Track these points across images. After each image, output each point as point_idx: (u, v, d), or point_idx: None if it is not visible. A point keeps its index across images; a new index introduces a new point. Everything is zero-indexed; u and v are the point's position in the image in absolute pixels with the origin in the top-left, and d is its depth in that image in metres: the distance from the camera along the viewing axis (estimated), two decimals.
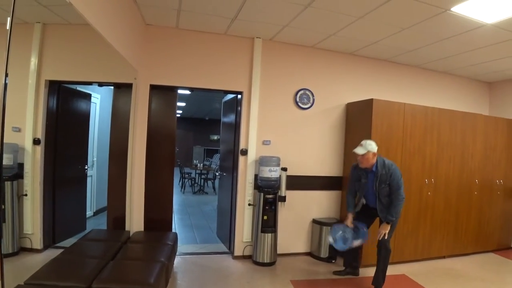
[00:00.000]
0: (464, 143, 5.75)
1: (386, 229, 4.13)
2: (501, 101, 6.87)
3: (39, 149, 4.58)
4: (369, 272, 4.67)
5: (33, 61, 4.13)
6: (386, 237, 4.13)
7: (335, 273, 4.83)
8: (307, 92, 5.51)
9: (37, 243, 4.56)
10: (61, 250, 3.80)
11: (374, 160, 4.14)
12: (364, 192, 4.36)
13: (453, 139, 5.65)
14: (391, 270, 4.95)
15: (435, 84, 6.50)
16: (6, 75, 1.91)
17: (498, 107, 6.90)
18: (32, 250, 4.21)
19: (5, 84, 1.94)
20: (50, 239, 4.85)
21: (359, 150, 4.12)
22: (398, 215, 4.12)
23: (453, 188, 5.69)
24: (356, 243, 4.26)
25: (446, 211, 5.64)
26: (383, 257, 4.22)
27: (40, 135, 4.56)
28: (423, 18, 4.11)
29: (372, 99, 5.05)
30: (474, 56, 5.43)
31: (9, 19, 1.85)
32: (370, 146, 4.09)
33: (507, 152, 6.24)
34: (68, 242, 4.60)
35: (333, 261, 5.26)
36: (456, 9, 3.76)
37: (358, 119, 5.42)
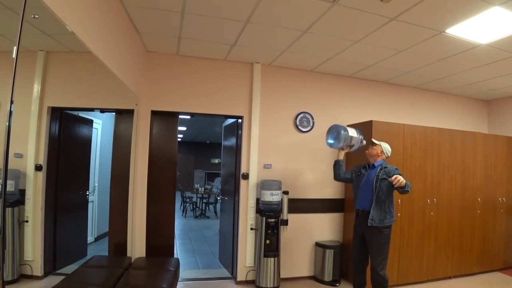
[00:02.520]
0: (464, 162, 5.76)
1: (401, 178, 3.74)
2: (500, 119, 6.92)
3: (41, 175, 4.61)
4: None
5: (36, 88, 4.21)
6: (399, 184, 3.76)
7: None
8: (307, 115, 5.56)
9: (38, 270, 4.53)
10: (62, 277, 3.76)
11: (380, 158, 4.23)
12: (359, 190, 4.25)
13: (454, 158, 5.66)
14: None
15: (433, 104, 6.56)
16: (12, 102, 1.95)
17: (497, 125, 6.94)
18: (32, 277, 4.19)
19: (10, 112, 1.97)
20: (51, 266, 4.82)
21: (375, 140, 4.32)
22: (408, 188, 3.81)
23: (456, 207, 5.66)
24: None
25: (449, 230, 5.59)
26: (380, 286, 4.03)
27: (42, 161, 4.60)
28: (419, 41, 4.19)
29: (371, 121, 5.09)
30: (470, 76, 5.50)
31: (15, 48, 1.90)
32: (384, 144, 4.29)
33: (508, 169, 6.23)
34: (69, 269, 4.57)
35: (337, 284, 5.19)
36: (451, 31, 3.84)
37: None
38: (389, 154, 4.31)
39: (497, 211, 6.09)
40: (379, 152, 4.24)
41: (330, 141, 4.47)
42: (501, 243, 6.13)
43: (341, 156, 4.47)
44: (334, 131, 4.42)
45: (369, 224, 4.00)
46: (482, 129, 6.92)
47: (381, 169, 4.12)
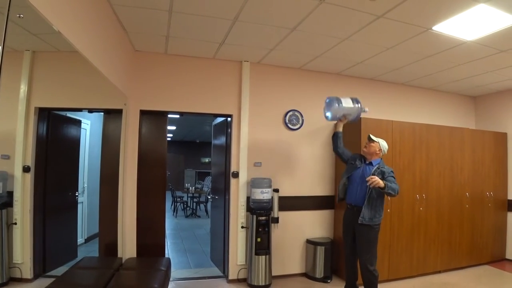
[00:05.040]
0: (452, 157, 5.83)
1: (378, 181, 3.77)
2: (487, 115, 7.01)
3: (29, 176, 4.55)
4: None
5: (23, 88, 4.16)
6: (374, 185, 3.80)
7: None
8: (296, 113, 5.58)
9: (27, 272, 4.48)
10: (52, 279, 3.73)
11: (377, 156, 4.22)
12: (352, 182, 4.24)
13: (442, 154, 5.72)
14: None
15: (421, 100, 6.62)
16: None
17: (484, 120, 7.03)
18: (22, 280, 4.14)
19: None
20: (40, 268, 4.76)
21: (372, 136, 4.27)
22: (389, 190, 3.82)
23: (445, 202, 5.73)
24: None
25: (439, 225, 5.66)
26: (369, 282, 4.05)
27: (30, 162, 4.54)
28: (406, 38, 4.22)
29: (360, 118, 5.11)
30: (457, 72, 5.56)
31: (0, 47, 1.88)
32: (382, 141, 4.25)
33: (495, 164, 6.33)
34: (59, 271, 4.52)
35: (329, 281, 5.22)
36: (437, 28, 3.87)
37: (347, 138, 5.45)
38: (386, 152, 4.30)
39: (485, 205, 6.17)
40: (377, 150, 4.21)
41: (328, 114, 4.45)
42: (489, 237, 6.22)
43: (339, 127, 4.50)
44: (329, 103, 4.41)
45: (359, 222, 4.02)
46: (469, 125, 7.00)
47: (378, 168, 4.10)
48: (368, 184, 3.80)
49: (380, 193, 3.99)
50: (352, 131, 5.23)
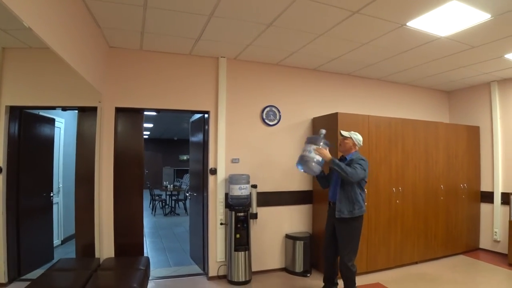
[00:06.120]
0: (427, 151, 5.95)
1: (325, 153, 3.96)
2: (460, 109, 7.18)
3: (1, 177, 4.44)
4: None
5: None
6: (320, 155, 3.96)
7: None
8: (273, 108, 5.58)
9: (1, 276, 4.39)
10: (27, 283, 3.63)
11: (352, 150, 4.21)
12: (332, 182, 4.26)
13: (417, 148, 5.83)
14: (366, 280, 5.03)
15: (397, 95, 6.73)
16: None
17: (457, 114, 7.21)
18: None
19: None
20: (15, 272, 4.67)
21: (343, 132, 4.26)
22: (336, 167, 3.88)
23: (420, 195, 5.85)
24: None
25: (415, 217, 5.77)
26: (346, 277, 4.08)
27: (1, 163, 4.44)
28: (381, 34, 4.27)
29: (337, 113, 5.17)
30: (431, 68, 5.67)
31: None
32: (354, 135, 4.24)
33: (468, 156, 6.50)
34: (35, 274, 4.44)
35: (308, 275, 5.27)
36: (412, 24, 3.93)
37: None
38: (361, 143, 4.28)
39: (459, 197, 6.33)
40: (351, 144, 4.21)
41: (301, 169, 4.25)
42: (463, 228, 6.38)
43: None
44: (299, 163, 4.19)
45: (337, 216, 4.05)
46: (443, 119, 7.16)
47: (350, 160, 4.09)
48: (315, 154, 3.95)
49: (352, 183, 3.97)
50: (328, 127, 5.26)
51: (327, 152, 3.99)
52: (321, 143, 4.09)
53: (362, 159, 4.07)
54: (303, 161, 4.11)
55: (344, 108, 5.70)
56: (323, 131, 4.22)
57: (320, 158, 4.02)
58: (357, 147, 4.25)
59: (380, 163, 5.43)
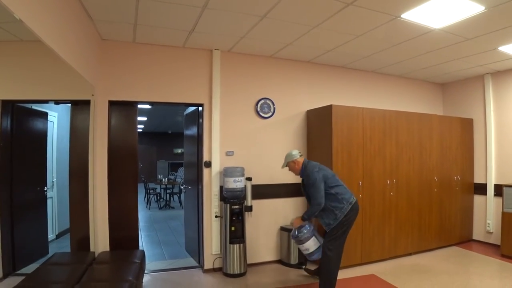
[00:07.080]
0: (421, 143, 5.97)
1: (297, 222, 4.14)
2: (453, 101, 7.20)
3: None
4: (346, 273, 4.83)
5: None
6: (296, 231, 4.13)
7: (306, 270, 4.92)
8: (268, 101, 5.57)
9: None
10: (22, 278, 3.62)
11: (300, 167, 4.21)
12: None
13: (411, 140, 5.85)
14: (361, 271, 5.08)
15: (391, 87, 6.74)
16: None
17: (451, 106, 7.23)
18: None
19: None
20: (10, 267, 4.66)
21: (283, 165, 4.35)
22: (311, 217, 4.08)
23: (414, 187, 5.88)
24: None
25: (409, 209, 5.81)
26: (322, 263, 4.06)
27: None
28: (375, 25, 4.26)
29: (331, 105, 5.16)
30: (425, 60, 5.67)
31: None
32: (288, 157, 4.27)
33: (462, 148, 6.53)
34: (30, 268, 4.43)
35: (303, 266, 5.28)
36: (406, 16, 3.93)
37: (319, 126, 5.52)
38: (298, 155, 4.24)
39: (452, 189, 6.37)
40: (295, 165, 4.22)
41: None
42: (457, 219, 6.43)
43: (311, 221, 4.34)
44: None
45: (328, 230, 4.01)
46: (437, 111, 7.18)
47: (306, 177, 4.10)
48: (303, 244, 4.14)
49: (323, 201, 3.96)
50: (322, 121, 5.29)
51: (297, 221, 4.17)
52: (304, 235, 4.13)
53: (311, 172, 4.03)
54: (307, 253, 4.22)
55: (339, 101, 5.69)
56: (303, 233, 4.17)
57: (307, 247, 4.14)
58: (299, 159, 4.22)
59: (374, 156, 5.45)
